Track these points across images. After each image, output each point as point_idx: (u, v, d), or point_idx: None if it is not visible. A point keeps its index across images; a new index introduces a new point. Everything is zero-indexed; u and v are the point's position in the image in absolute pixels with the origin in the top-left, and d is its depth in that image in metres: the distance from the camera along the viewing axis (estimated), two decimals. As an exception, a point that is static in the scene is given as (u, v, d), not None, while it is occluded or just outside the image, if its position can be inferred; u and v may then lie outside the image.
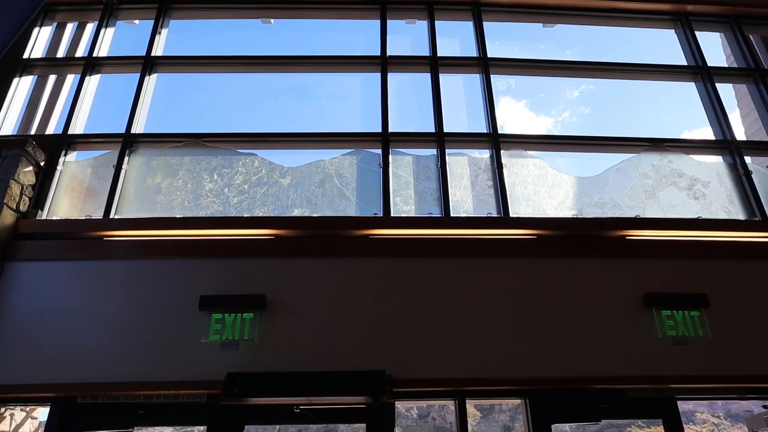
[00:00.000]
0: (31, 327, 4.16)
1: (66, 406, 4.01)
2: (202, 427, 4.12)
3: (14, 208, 4.58)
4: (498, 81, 6.09)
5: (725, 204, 5.27)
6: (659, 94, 6.65)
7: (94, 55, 5.87)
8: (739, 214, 5.22)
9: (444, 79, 5.85)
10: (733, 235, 4.93)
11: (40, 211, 4.81)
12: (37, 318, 4.20)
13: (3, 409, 4.39)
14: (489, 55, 6.00)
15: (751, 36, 6.60)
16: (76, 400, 4.02)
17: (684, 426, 4.26)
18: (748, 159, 5.58)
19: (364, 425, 4.08)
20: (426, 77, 5.89)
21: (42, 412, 4.73)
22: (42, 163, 4.98)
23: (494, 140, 5.40)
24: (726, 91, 6.37)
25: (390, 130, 5.42)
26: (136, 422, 4.05)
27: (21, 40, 5.82)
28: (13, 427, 4.58)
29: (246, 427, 4.06)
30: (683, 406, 4.32)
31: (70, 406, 4.01)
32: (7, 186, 4.53)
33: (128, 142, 5.27)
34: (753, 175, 5.38)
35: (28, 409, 4.72)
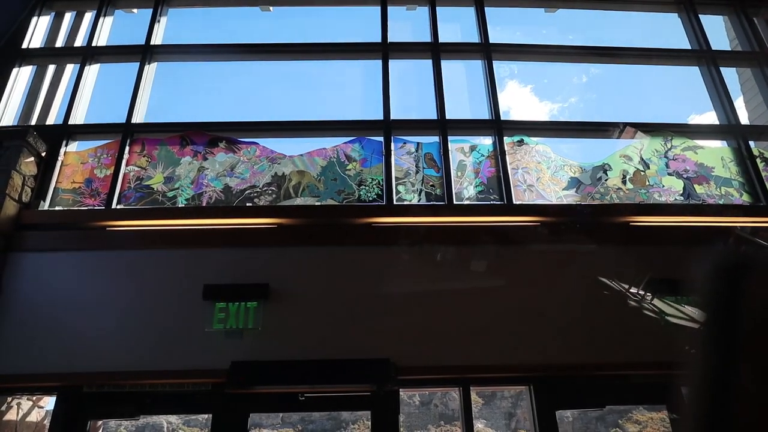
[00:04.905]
0: (36, 317, 4.17)
1: (72, 395, 4.03)
2: (207, 416, 4.14)
3: (16, 198, 4.57)
4: (500, 67, 6.04)
5: (729, 189, 5.24)
6: (665, 79, 6.59)
7: (93, 44, 5.82)
8: (743, 199, 5.19)
9: (446, 65, 5.80)
10: (738, 220, 4.91)
11: (42, 201, 4.81)
12: (41, 308, 4.21)
13: (10, 399, 4.40)
14: (491, 41, 5.94)
15: (755, 19, 6.52)
16: (82, 389, 4.05)
17: (687, 411, 4.26)
18: (752, 143, 5.54)
19: (368, 412, 4.10)
20: (427, 64, 5.84)
21: (49, 402, 4.75)
22: (43, 154, 4.96)
23: (497, 127, 5.36)
24: (729, 74, 6.31)
25: (392, 117, 5.39)
26: (141, 411, 4.09)
27: (19, 29, 5.79)
28: (20, 417, 4.61)
29: (251, 415, 4.09)
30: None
31: (77, 395, 4.04)
32: (9, 177, 4.51)
33: (129, 132, 5.24)
34: (757, 160, 5.34)
35: (34, 398, 4.73)
